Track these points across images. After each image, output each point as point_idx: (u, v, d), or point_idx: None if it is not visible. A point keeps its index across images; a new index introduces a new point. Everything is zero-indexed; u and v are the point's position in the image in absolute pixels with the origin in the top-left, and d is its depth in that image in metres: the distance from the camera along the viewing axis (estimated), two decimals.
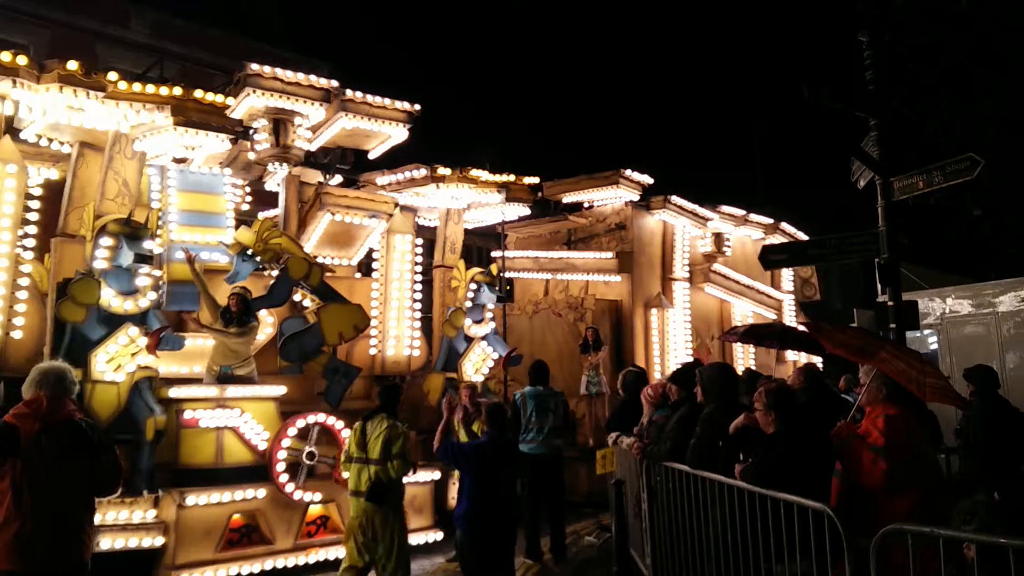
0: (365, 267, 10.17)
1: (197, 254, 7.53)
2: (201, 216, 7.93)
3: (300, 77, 8.27)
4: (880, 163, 8.23)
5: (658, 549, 5.81)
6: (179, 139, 7.78)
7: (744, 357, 13.43)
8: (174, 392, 7.09)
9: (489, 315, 9.84)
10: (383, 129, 9.01)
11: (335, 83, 8.62)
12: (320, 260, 8.93)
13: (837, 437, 4.36)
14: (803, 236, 14.37)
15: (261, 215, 9.64)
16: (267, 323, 8.24)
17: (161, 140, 7.77)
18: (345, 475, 5.99)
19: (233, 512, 6.91)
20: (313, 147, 9.19)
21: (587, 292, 12.44)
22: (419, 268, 9.55)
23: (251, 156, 8.76)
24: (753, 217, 14.14)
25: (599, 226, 12.91)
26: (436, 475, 8.11)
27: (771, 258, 9.35)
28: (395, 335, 9.15)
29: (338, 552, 7.25)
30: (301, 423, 7.34)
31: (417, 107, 9.07)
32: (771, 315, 14.20)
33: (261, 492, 7.01)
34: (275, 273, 7.98)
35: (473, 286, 9.63)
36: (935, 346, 12.97)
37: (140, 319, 7.11)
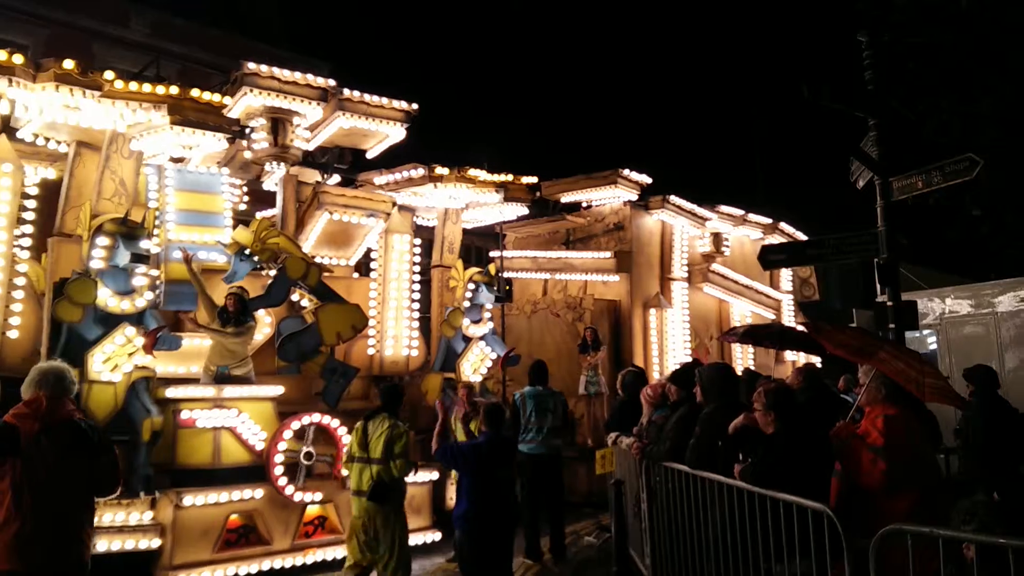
0: (364, 267, 10.15)
1: (195, 254, 7.51)
2: (199, 215, 7.93)
3: (297, 76, 8.24)
4: (879, 163, 8.22)
5: (657, 549, 5.80)
6: (176, 138, 7.76)
7: (743, 357, 13.42)
8: (171, 392, 7.06)
9: (487, 315, 9.82)
10: (381, 128, 8.99)
11: (332, 82, 8.60)
12: (318, 260, 8.91)
13: (836, 437, 4.36)
14: (802, 236, 14.36)
15: (259, 215, 9.62)
16: (265, 323, 8.22)
17: (158, 139, 7.75)
18: (345, 473, 5.97)
19: (230, 512, 6.89)
20: (311, 146, 9.17)
21: (585, 292, 12.43)
22: (417, 268, 9.52)
23: (247, 155, 8.72)
24: (752, 217, 14.13)
25: (597, 226, 12.90)
26: (434, 475, 8.09)
27: (770, 258, 9.34)
28: (393, 335, 9.13)
29: (336, 552, 7.26)
30: (298, 424, 7.31)
31: (415, 106, 9.06)
32: (770, 315, 14.20)
33: (258, 492, 6.98)
34: (273, 273, 7.96)
35: (471, 286, 9.61)
36: (934, 346, 12.97)
37: (137, 319, 7.08)
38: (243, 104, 8.19)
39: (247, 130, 8.66)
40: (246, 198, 10.29)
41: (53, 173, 8.43)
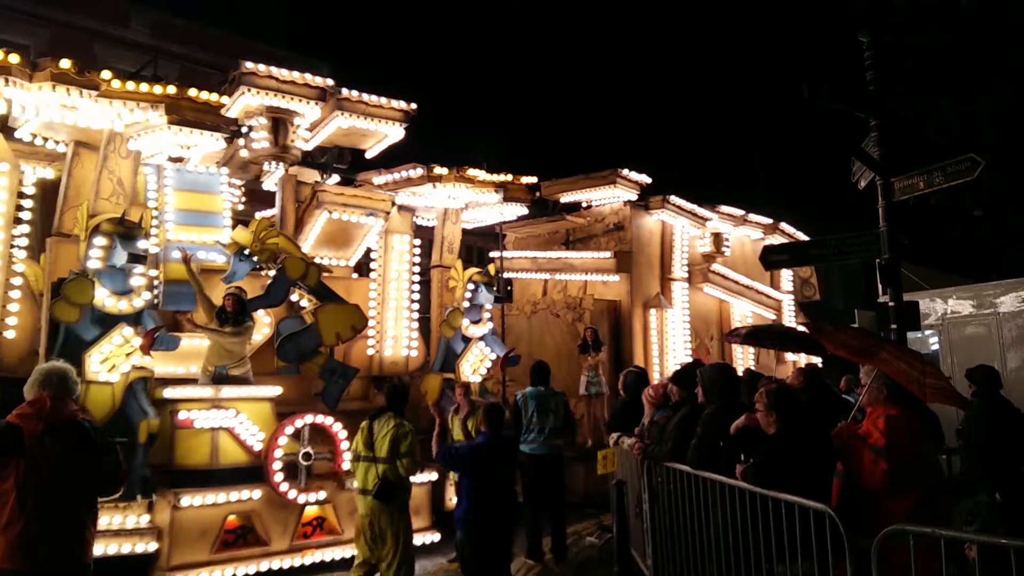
0: (363, 267, 10.13)
1: (194, 254, 7.49)
2: (198, 215, 7.90)
3: (295, 75, 8.21)
4: (880, 164, 8.21)
5: (659, 549, 5.79)
6: (174, 138, 7.74)
7: (744, 357, 13.39)
8: (169, 392, 7.04)
9: (487, 315, 9.80)
10: (379, 128, 8.96)
11: (330, 81, 8.57)
12: (317, 260, 8.88)
13: (838, 438, 4.35)
14: (802, 236, 14.36)
15: (258, 215, 9.60)
16: (264, 323, 8.20)
17: (156, 139, 7.73)
18: (346, 467, 5.94)
19: (228, 513, 6.86)
20: (309, 146, 9.14)
21: (585, 292, 12.41)
22: (417, 268, 9.50)
23: (243, 154, 8.69)
24: (752, 217, 14.12)
25: (597, 226, 12.88)
26: (433, 476, 8.06)
27: (772, 258, 9.32)
28: (393, 335, 9.10)
29: (335, 553, 7.25)
30: (297, 423, 7.28)
31: (413, 106, 9.03)
32: (770, 315, 14.18)
33: (256, 493, 6.95)
34: (272, 273, 7.93)
35: (471, 286, 9.58)
36: (936, 347, 12.94)
37: (134, 319, 7.06)
38: (241, 103, 8.17)
39: (244, 129, 8.63)
40: (244, 198, 10.27)
41: (51, 173, 8.41)
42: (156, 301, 7.44)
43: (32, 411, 3.83)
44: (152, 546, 6.52)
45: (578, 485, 10.16)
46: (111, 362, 6.84)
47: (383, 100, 8.81)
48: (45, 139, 8.00)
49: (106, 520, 6.33)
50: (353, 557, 5.93)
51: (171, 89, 7.52)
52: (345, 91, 8.55)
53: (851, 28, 8.66)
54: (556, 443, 7.87)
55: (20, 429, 3.74)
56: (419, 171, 9.59)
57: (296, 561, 7.11)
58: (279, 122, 8.45)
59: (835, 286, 23.08)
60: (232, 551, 6.81)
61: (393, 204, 9.17)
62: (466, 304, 9.55)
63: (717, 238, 13.48)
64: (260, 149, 8.52)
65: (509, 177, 10.31)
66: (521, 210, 10.93)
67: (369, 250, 9.48)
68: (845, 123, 9.31)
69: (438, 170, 9.56)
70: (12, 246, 7.23)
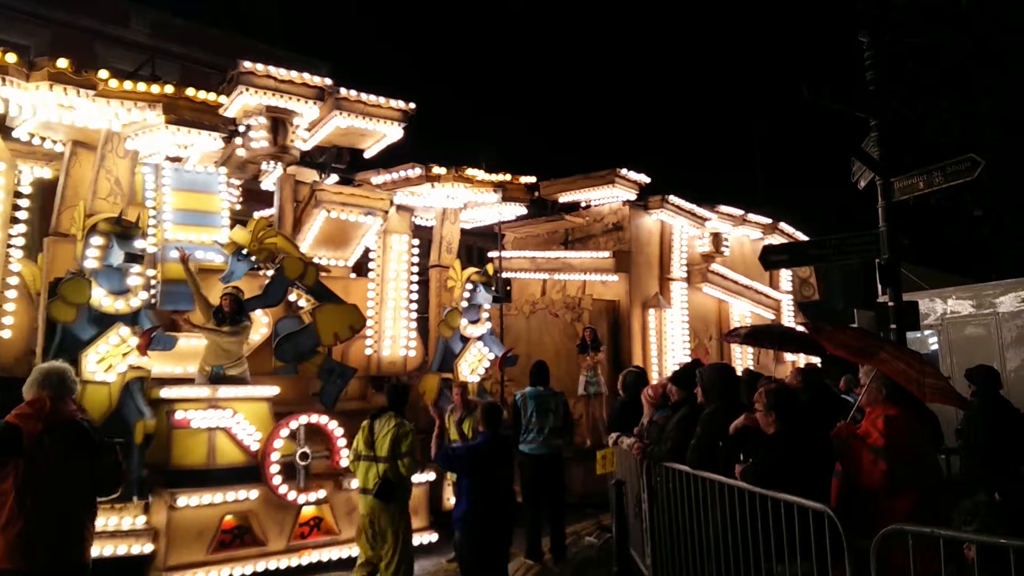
0: (362, 267, 10.11)
1: (192, 253, 7.47)
2: (196, 215, 7.90)
3: (293, 75, 8.20)
4: (880, 164, 8.20)
5: (658, 549, 5.78)
6: (171, 137, 7.71)
7: (743, 357, 13.38)
8: (166, 392, 7.02)
9: (485, 315, 9.78)
10: (378, 128, 8.95)
11: (329, 81, 8.56)
12: (316, 260, 8.86)
13: (837, 438, 4.34)
14: (802, 236, 14.35)
15: (256, 214, 9.58)
16: (262, 323, 8.18)
17: (153, 138, 7.71)
18: (344, 464, 5.92)
19: (225, 513, 6.84)
20: (307, 146, 9.13)
21: (584, 292, 12.39)
22: (415, 268, 9.49)
23: (241, 154, 8.67)
24: (751, 217, 14.11)
25: (596, 226, 12.86)
26: (431, 476, 8.05)
27: (772, 258, 9.31)
28: (391, 335, 9.09)
29: (332, 554, 7.23)
30: (294, 424, 7.27)
31: (412, 106, 9.02)
32: (769, 315, 14.16)
33: (253, 493, 6.93)
34: (270, 273, 7.92)
35: (469, 286, 9.56)
36: (935, 347, 12.92)
37: (131, 319, 7.03)
38: (239, 103, 8.15)
39: (243, 128, 8.61)
40: (242, 198, 10.25)
41: (49, 172, 8.40)
42: (153, 301, 7.42)
43: (31, 411, 3.83)
44: (148, 547, 6.51)
45: (577, 485, 10.13)
46: (108, 362, 6.82)
47: (381, 100, 8.80)
48: (42, 138, 7.98)
49: (102, 521, 6.29)
50: (350, 557, 5.93)
51: (169, 88, 7.50)
52: (343, 91, 8.54)
53: (851, 28, 8.65)
54: (555, 443, 7.86)
55: (19, 429, 3.74)
56: (418, 171, 9.58)
57: (293, 561, 7.09)
58: (278, 122, 8.44)
59: (835, 286, 23.07)
60: (229, 551, 6.80)
61: (391, 204, 9.15)
62: (464, 304, 9.54)
63: (716, 238, 13.47)
64: (258, 148, 8.51)
65: (508, 177, 10.30)
66: (520, 210, 10.92)
67: (367, 250, 9.47)
68: (845, 123, 9.31)
69: (437, 170, 9.55)
70: (9, 246, 7.21)
